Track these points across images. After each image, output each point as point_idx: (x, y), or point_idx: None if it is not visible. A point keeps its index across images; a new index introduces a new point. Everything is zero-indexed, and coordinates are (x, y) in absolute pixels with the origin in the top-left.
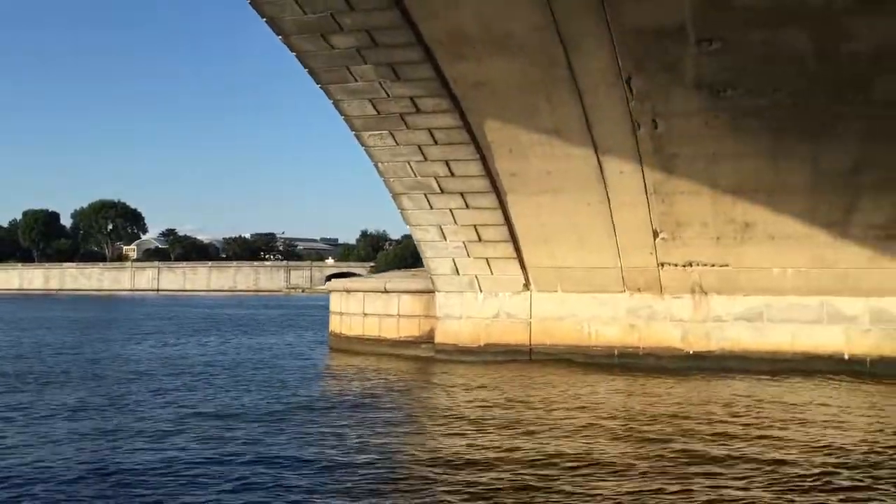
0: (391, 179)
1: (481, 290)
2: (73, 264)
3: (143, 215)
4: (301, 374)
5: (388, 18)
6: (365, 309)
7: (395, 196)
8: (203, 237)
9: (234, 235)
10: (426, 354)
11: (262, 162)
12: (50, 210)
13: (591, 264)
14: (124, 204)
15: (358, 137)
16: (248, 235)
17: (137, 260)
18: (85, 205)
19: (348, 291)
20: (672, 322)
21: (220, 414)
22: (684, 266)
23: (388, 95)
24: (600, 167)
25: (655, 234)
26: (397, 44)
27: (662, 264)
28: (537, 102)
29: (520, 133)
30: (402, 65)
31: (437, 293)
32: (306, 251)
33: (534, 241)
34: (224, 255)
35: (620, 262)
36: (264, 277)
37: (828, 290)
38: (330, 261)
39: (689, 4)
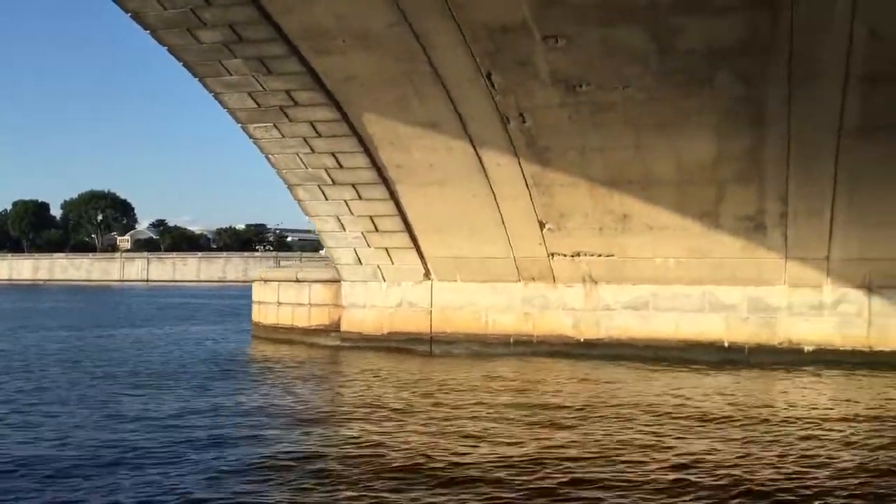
0: (284, 171)
1: (384, 280)
2: (63, 255)
3: (134, 206)
4: (203, 362)
5: (246, 14)
6: (279, 298)
7: (291, 188)
8: (196, 228)
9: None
10: (334, 343)
11: (256, 153)
12: (40, 201)
13: (485, 254)
14: (114, 195)
15: (244, 130)
16: (241, 226)
17: (128, 251)
18: (75, 195)
19: (265, 281)
20: (564, 311)
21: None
22: (573, 256)
23: (265, 89)
24: (480, 160)
25: (542, 225)
26: (261, 39)
27: (552, 254)
28: (408, 96)
29: (398, 126)
30: (271, 59)
31: (342, 283)
32: (298, 242)
33: (429, 232)
34: (215, 246)
35: (513, 253)
36: (253, 268)
37: (708, 279)
38: (323, 252)
39: (526, 2)
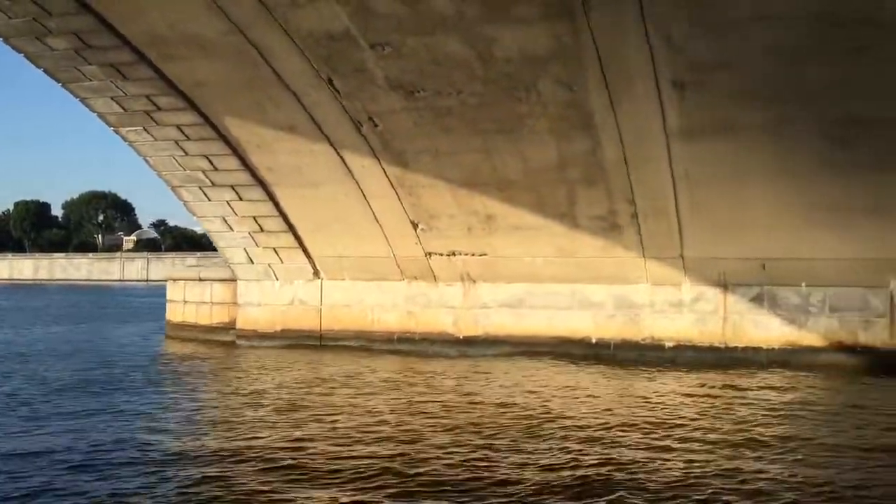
0: (164, 173)
1: (277, 279)
2: (63, 255)
3: (135, 206)
4: (102, 361)
5: (86, 22)
6: (185, 297)
7: (174, 189)
8: (197, 229)
9: None
10: (232, 340)
11: None
12: (41, 201)
13: (367, 254)
14: (115, 195)
15: (117, 133)
16: None
17: (129, 250)
18: (76, 196)
19: (174, 280)
20: (445, 308)
21: None
22: (449, 255)
23: (125, 94)
24: (344, 162)
25: (415, 226)
26: (107, 46)
27: (429, 254)
28: (262, 101)
29: (259, 129)
30: (123, 65)
31: (238, 281)
32: None
33: (312, 232)
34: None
35: (393, 252)
36: None
37: (577, 278)
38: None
39: (343, 11)
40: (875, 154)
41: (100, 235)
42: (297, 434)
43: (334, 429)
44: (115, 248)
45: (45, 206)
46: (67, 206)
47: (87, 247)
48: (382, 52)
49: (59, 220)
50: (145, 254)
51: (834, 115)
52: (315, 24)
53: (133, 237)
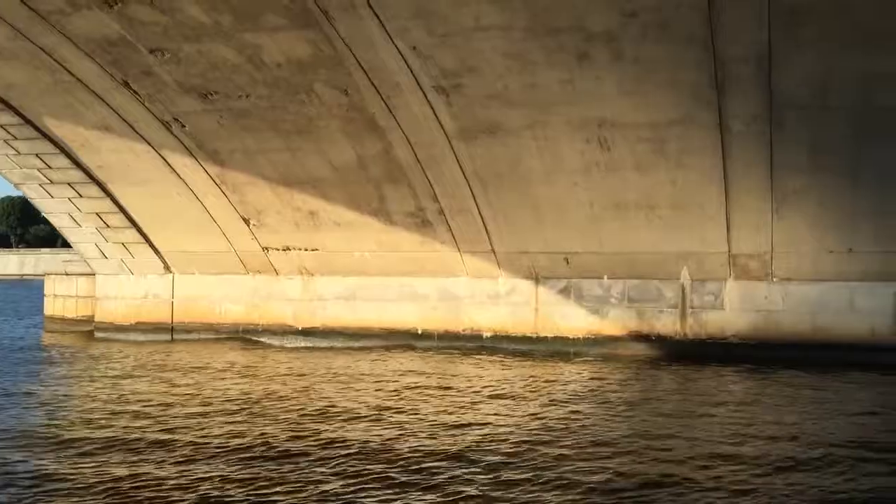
0: (4, 172)
1: (132, 273)
2: (48, 250)
3: None
4: None
5: None
6: (55, 291)
7: (17, 186)
8: None
9: None
10: (92, 331)
11: None
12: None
13: (210, 249)
14: None
15: None
16: None
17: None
18: None
19: (48, 275)
20: (286, 301)
21: None
22: (284, 250)
23: None
24: (167, 161)
25: (247, 222)
26: None
27: (266, 248)
28: (72, 103)
29: (79, 129)
30: None
31: (97, 276)
32: None
33: (155, 228)
34: None
35: (233, 247)
36: None
37: (405, 271)
38: None
39: (109, 19)
40: (633, 155)
41: None
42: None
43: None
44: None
45: (30, 203)
46: None
47: None
48: (163, 57)
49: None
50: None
51: (579, 118)
52: (91, 30)
53: None
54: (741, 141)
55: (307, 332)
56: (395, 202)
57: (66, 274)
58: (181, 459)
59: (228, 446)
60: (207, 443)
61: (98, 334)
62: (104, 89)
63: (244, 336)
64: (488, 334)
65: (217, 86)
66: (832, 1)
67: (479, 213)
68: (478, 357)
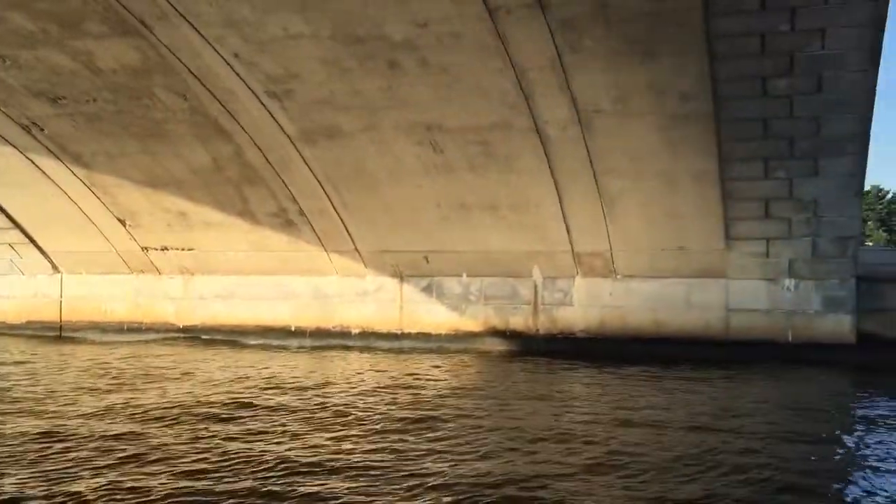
0: None
1: (23, 273)
2: None
3: None
4: None
5: None
6: None
7: None
8: None
9: None
10: None
11: None
12: None
13: (91, 249)
14: None
15: None
16: None
17: None
18: None
19: None
20: (168, 299)
21: None
22: (162, 250)
23: None
24: (35, 164)
25: (123, 223)
26: None
27: (146, 248)
28: None
29: None
30: None
31: None
32: None
33: (37, 229)
34: None
35: (114, 247)
36: None
37: (279, 270)
38: None
39: None
40: (466, 158)
41: None
42: None
43: None
44: None
45: None
46: None
47: None
48: (4, 63)
49: None
50: None
51: (406, 122)
52: None
53: None
54: (560, 145)
55: (187, 330)
56: (257, 203)
57: None
58: None
59: None
60: None
61: None
62: None
63: (129, 335)
64: (357, 330)
65: (63, 90)
66: (595, 13)
67: (337, 213)
68: (347, 352)
